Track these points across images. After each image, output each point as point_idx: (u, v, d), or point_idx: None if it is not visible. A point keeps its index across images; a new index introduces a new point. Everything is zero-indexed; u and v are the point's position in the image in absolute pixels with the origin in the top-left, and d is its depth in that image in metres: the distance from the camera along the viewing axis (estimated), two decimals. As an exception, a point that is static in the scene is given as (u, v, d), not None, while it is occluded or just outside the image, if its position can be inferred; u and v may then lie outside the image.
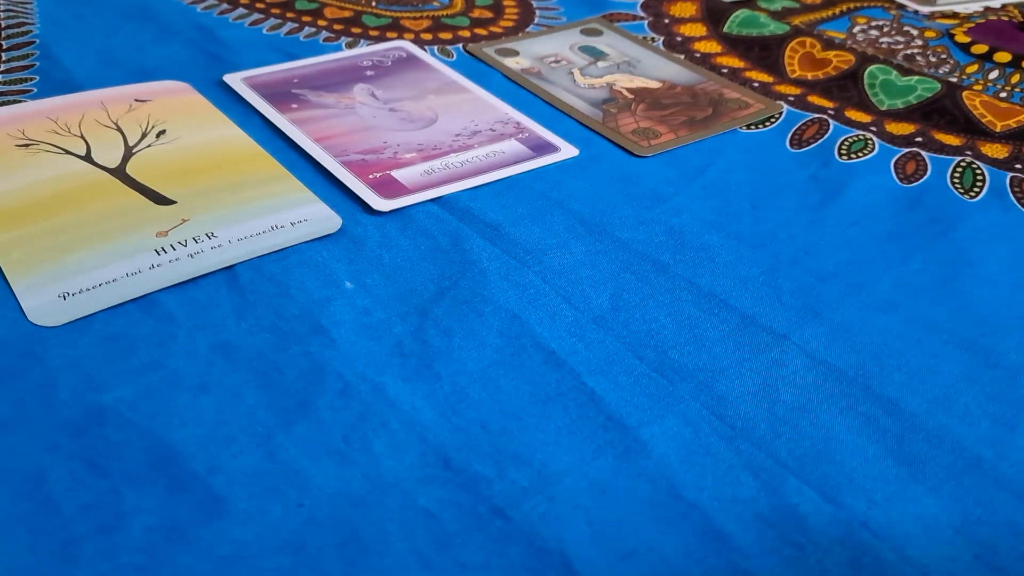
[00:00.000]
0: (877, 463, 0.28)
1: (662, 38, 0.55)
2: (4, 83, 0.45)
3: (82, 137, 0.41)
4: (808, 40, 0.55)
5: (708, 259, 0.36)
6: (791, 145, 0.45)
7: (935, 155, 0.44)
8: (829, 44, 0.54)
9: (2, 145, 0.40)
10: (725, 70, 0.52)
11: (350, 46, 0.52)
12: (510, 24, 0.56)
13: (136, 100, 0.44)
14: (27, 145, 0.40)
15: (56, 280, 0.32)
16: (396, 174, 0.40)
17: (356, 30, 0.53)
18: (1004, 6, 0.62)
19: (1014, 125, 0.47)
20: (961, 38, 0.56)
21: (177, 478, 0.26)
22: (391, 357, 0.31)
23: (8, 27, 0.50)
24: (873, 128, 0.46)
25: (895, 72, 0.51)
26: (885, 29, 0.58)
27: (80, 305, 0.31)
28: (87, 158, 0.39)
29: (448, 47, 0.52)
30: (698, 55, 0.53)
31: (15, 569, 0.23)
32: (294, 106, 0.45)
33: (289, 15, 0.54)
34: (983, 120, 0.47)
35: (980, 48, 0.55)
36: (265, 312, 0.32)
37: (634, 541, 0.25)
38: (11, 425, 0.27)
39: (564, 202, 0.39)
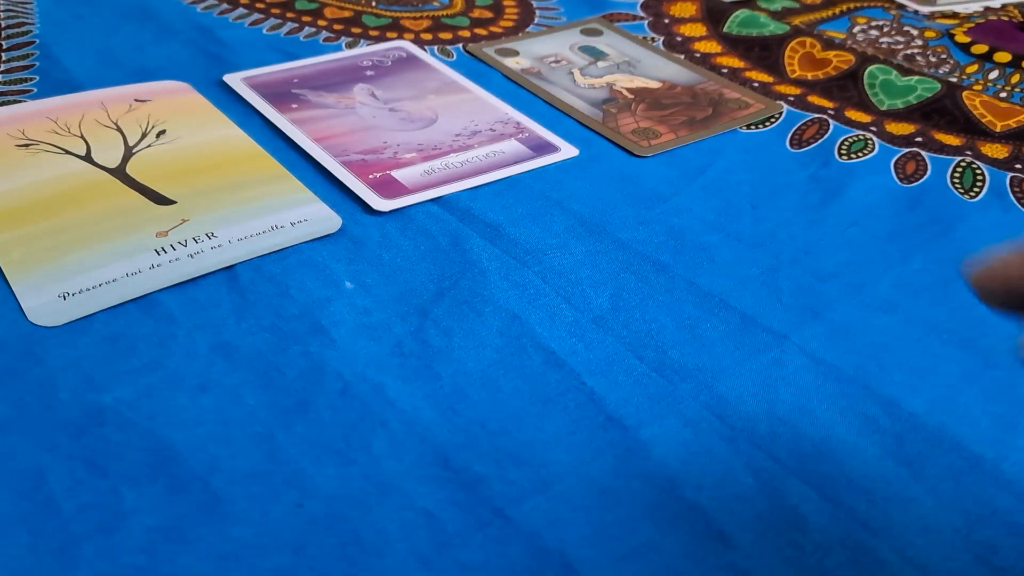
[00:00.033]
0: (877, 463, 0.28)
1: (662, 38, 0.55)
2: (4, 83, 0.45)
3: (82, 137, 0.41)
4: (808, 40, 0.55)
5: (708, 259, 0.36)
6: (791, 145, 0.45)
7: (935, 155, 0.44)
8: (829, 44, 0.54)
9: (2, 145, 0.40)
10: (725, 70, 0.52)
11: (350, 46, 0.52)
12: (510, 24, 0.56)
13: (136, 100, 0.44)
14: (27, 145, 0.40)
15: (56, 280, 0.32)
16: (396, 174, 0.40)
17: (356, 30, 0.53)
18: (1004, 6, 0.62)
19: (1014, 125, 0.47)
20: (961, 38, 0.56)
21: (177, 478, 0.26)
22: (391, 357, 0.31)
23: (8, 27, 0.50)
24: (873, 128, 0.46)
25: (895, 72, 0.51)
26: (885, 29, 0.58)
27: (80, 305, 0.31)
28: (87, 158, 0.39)
29: (448, 47, 0.52)
30: (698, 55, 0.53)
31: (15, 569, 0.23)
32: (294, 106, 0.45)
33: (289, 15, 0.54)
34: (983, 120, 0.47)
35: (980, 48, 0.55)
36: (265, 312, 0.32)
37: (634, 541, 0.25)
38: (11, 425, 0.27)
39: (564, 202, 0.39)
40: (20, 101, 0.43)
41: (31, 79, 0.45)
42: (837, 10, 0.61)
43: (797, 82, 0.51)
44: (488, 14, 0.57)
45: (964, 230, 0.39)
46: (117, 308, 0.32)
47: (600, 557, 0.25)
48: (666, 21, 0.57)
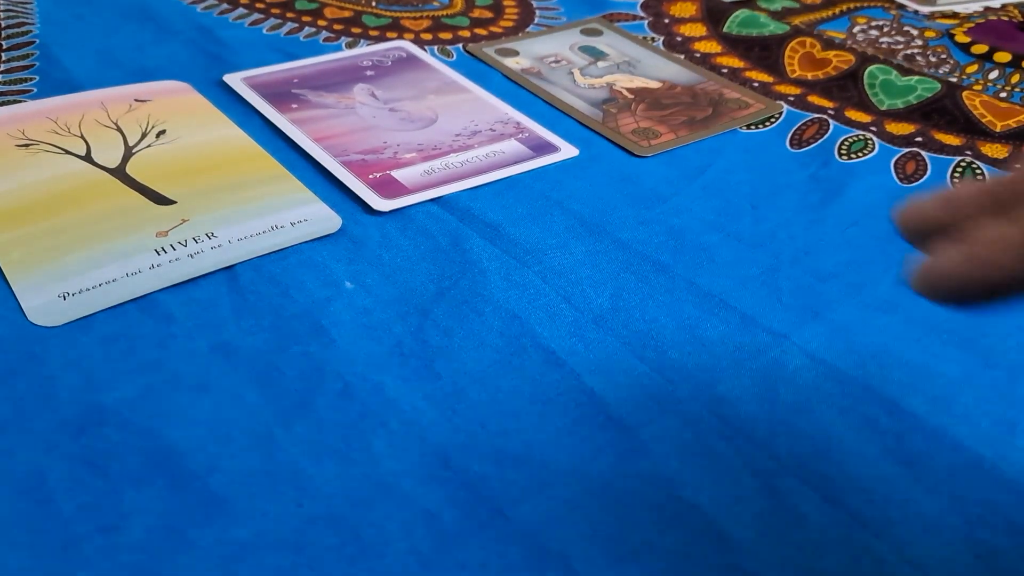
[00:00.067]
0: (877, 463, 0.28)
1: (662, 38, 0.55)
2: (4, 83, 0.45)
3: (82, 137, 0.41)
4: (808, 40, 0.55)
5: (708, 259, 0.36)
6: (791, 145, 0.45)
7: (935, 155, 0.44)
8: (829, 44, 0.54)
9: (2, 145, 0.40)
10: (725, 70, 0.52)
11: (350, 46, 0.52)
12: (510, 24, 0.56)
13: (136, 100, 0.44)
14: (27, 145, 0.40)
15: (56, 280, 0.32)
16: (396, 174, 0.40)
17: (356, 30, 0.53)
18: (1004, 6, 0.62)
19: (1014, 125, 0.47)
20: (961, 38, 0.56)
21: (177, 478, 0.26)
22: (391, 357, 0.31)
23: (8, 27, 0.50)
24: (873, 128, 0.46)
25: (895, 72, 0.51)
26: (885, 29, 0.58)
27: (80, 305, 0.31)
28: (87, 158, 0.39)
29: (448, 47, 0.52)
30: (698, 55, 0.53)
31: (15, 569, 0.23)
32: (294, 106, 0.45)
33: (289, 15, 0.54)
34: (983, 120, 0.47)
35: (980, 48, 0.55)
36: (265, 312, 0.32)
37: (634, 541, 0.25)
38: (11, 425, 0.27)
39: (564, 202, 0.39)
40: (20, 101, 0.43)
41: (31, 79, 0.45)
42: (837, 10, 0.61)
43: (797, 82, 0.51)
44: (488, 14, 0.57)
45: (964, 230, 0.39)
46: (117, 308, 0.32)
47: (600, 557, 0.25)
48: (666, 21, 0.57)
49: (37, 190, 0.37)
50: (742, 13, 0.58)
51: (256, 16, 0.54)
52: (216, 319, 0.32)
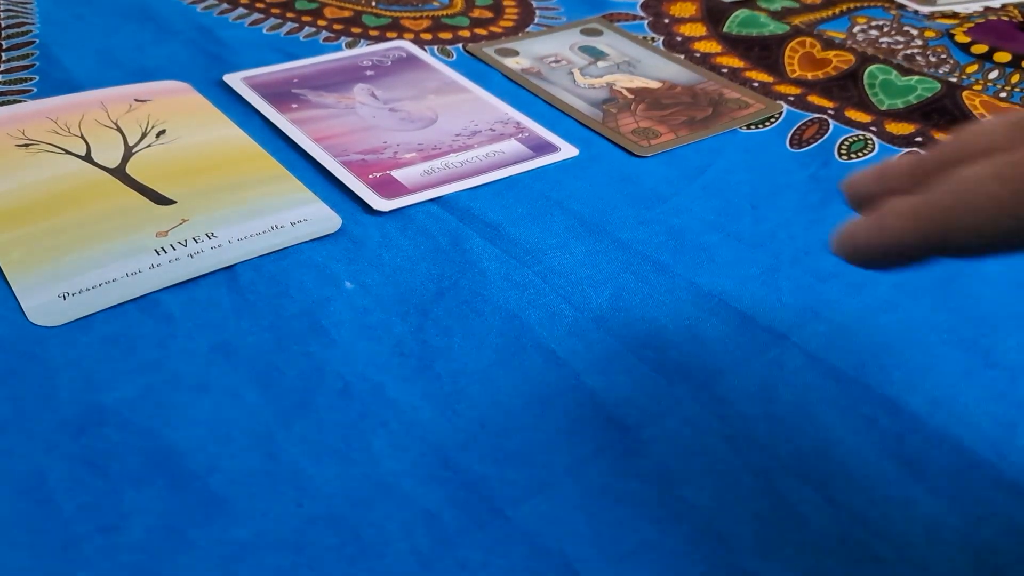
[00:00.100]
0: (877, 463, 0.28)
1: (662, 38, 0.55)
2: (4, 83, 0.45)
3: (82, 137, 0.41)
4: (808, 40, 0.55)
5: (708, 259, 0.36)
6: (791, 145, 0.45)
7: (935, 155, 0.44)
8: (829, 44, 0.54)
9: (2, 145, 0.40)
10: (725, 70, 0.52)
11: (350, 46, 0.52)
12: (510, 24, 0.56)
13: (136, 100, 0.44)
14: (27, 145, 0.40)
15: (56, 280, 0.32)
16: (396, 174, 0.40)
17: (356, 30, 0.53)
18: (1004, 6, 0.62)
19: (1014, 125, 0.47)
20: (961, 38, 0.56)
21: (177, 478, 0.26)
22: (391, 357, 0.31)
23: (8, 27, 0.50)
24: (873, 128, 0.46)
25: (895, 72, 0.51)
26: (885, 29, 0.58)
27: (80, 305, 0.31)
28: (87, 158, 0.39)
29: (448, 47, 0.52)
30: (698, 55, 0.53)
31: (15, 569, 0.23)
32: (294, 106, 0.45)
33: (289, 15, 0.54)
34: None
35: (980, 48, 0.55)
36: (265, 312, 0.32)
37: (634, 541, 0.25)
38: (11, 425, 0.27)
39: (564, 202, 0.39)
40: (20, 101, 0.43)
41: (31, 79, 0.45)
42: (837, 10, 0.61)
43: (797, 82, 0.51)
44: (488, 14, 0.57)
45: (964, 230, 0.39)
46: (117, 308, 0.32)
47: (600, 557, 0.25)
48: (666, 21, 0.57)
49: (37, 190, 0.37)
50: (742, 13, 0.58)
51: (256, 16, 0.54)
52: (216, 319, 0.32)
